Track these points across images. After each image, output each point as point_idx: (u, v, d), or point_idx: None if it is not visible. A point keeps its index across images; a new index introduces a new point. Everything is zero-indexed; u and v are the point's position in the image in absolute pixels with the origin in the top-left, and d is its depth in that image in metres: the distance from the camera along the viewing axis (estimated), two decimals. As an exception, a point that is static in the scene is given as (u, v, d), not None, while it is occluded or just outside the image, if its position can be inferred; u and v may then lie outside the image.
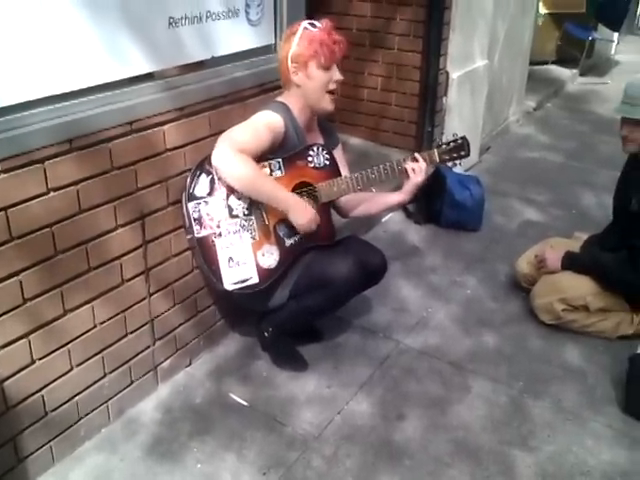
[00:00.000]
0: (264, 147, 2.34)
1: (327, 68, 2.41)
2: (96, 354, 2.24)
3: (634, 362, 2.53)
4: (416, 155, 2.60)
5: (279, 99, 2.51)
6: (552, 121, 6.25)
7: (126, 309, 2.31)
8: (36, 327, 2.00)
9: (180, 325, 2.57)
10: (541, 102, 6.60)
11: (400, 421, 2.44)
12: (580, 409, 2.52)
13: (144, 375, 2.47)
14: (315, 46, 2.36)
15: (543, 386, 2.64)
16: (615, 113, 2.82)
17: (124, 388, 2.40)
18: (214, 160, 2.27)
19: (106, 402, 2.34)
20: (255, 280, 2.44)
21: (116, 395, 2.37)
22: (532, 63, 6.32)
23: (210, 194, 2.37)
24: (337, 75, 2.44)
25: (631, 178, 2.93)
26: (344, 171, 2.64)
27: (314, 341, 2.84)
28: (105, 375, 2.30)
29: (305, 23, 2.41)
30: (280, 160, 2.43)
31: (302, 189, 2.49)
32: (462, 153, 2.64)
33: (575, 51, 7.65)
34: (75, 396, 2.20)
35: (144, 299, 2.37)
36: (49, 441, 2.15)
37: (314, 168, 2.52)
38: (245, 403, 2.51)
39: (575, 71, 7.73)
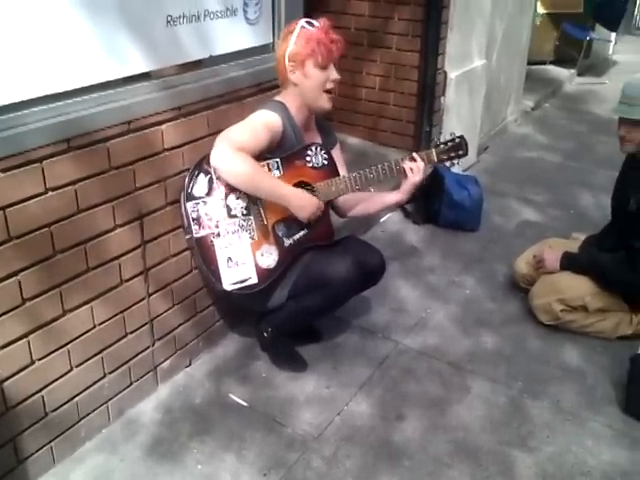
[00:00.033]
0: (262, 146, 2.34)
1: (324, 67, 2.40)
2: (96, 354, 2.23)
3: (635, 362, 2.53)
4: (414, 155, 2.59)
5: (277, 98, 2.50)
6: (550, 121, 6.26)
7: (125, 309, 2.30)
8: (35, 327, 1.99)
9: (179, 325, 2.57)
10: (539, 102, 6.61)
11: (399, 421, 2.44)
12: (579, 409, 2.52)
13: (144, 376, 2.47)
14: (312, 45, 2.36)
15: (542, 386, 2.64)
16: (613, 113, 2.82)
17: (124, 389, 2.40)
18: (213, 160, 2.27)
19: (106, 403, 2.33)
20: (254, 280, 2.43)
21: (116, 396, 2.37)
22: (530, 63, 6.32)
23: (208, 194, 2.36)
24: (334, 74, 2.44)
25: (629, 178, 2.93)
26: (342, 171, 2.64)
27: (313, 341, 2.84)
28: (105, 375, 2.30)
29: (302, 22, 2.40)
30: (278, 160, 2.43)
31: (300, 189, 2.49)
32: (460, 152, 2.64)
33: (573, 51, 7.66)
34: (75, 397, 2.20)
35: (143, 299, 2.37)
36: (49, 442, 2.15)
37: (312, 168, 2.52)
38: (245, 403, 2.50)
39: (573, 71, 7.74)
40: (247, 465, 2.22)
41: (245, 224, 2.41)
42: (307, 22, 2.40)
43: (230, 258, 2.40)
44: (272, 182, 2.37)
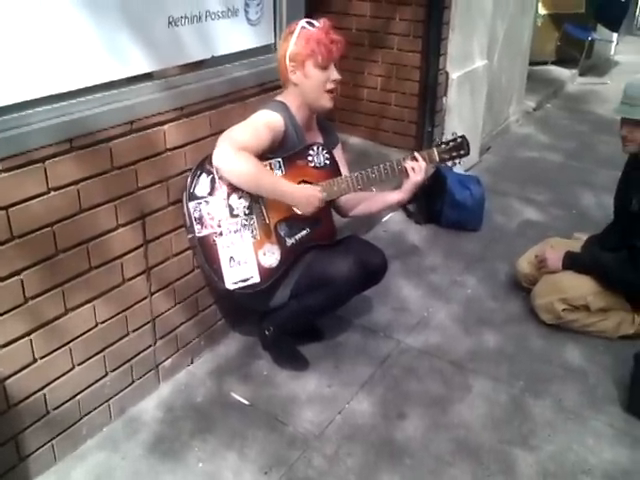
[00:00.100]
0: (264, 146, 2.35)
1: (324, 67, 2.41)
2: (97, 353, 2.24)
3: (639, 359, 2.53)
4: (416, 154, 2.60)
5: (278, 98, 2.51)
6: (552, 121, 6.26)
7: (127, 308, 2.31)
8: (38, 326, 2.00)
9: (181, 324, 2.58)
10: (541, 102, 6.61)
11: (401, 420, 2.45)
12: (581, 408, 2.52)
13: (145, 374, 2.48)
14: (312, 45, 2.36)
15: (544, 385, 2.64)
16: (614, 113, 2.82)
17: (125, 387, 2.40)
18: (215, 159, 2.27)
19: (107, 401, 2.34)
20: (256, 279, 2.44)
21: (117, 394, 2.37)
22: (532, 63, 6.33)
23: (211, 194, 2.37)
24: (335, 74, 2.44)
25: (631, 178, 2.93)
26: (344, 170, 2.64)
27: (315, 340, 2.85)
28: (106, 374, 2.30)
29: (303, 22, 2.41)
30: (280, 160, 2.44)
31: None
32: (462, 152, 2.65)
33: (574, 51, 7.66)
34: (77, 395, 2.21)
35: (145, 298, 2.37)
36: (51, 440, 2.15)
37: (314, 167, 2.52)
38: (246, 402, 2.51)
39: (574, 71, 7.74)
40: (248, 463, 2.23)
41: (247, 223, 2.42)
42: (307, 22, 2.41)
43: (232, 257, 2.41)
44: (274, 180, 2.38)
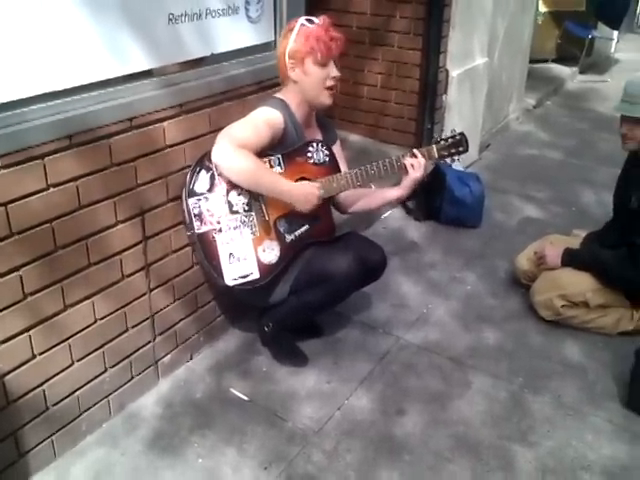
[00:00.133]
0: (264, 143, 2.35)
1: (324, 64, 2.41)
2: (97, 349, 2.25)
3: (640, 356, 2.53)
4: (415, 151, 2.60)
5: (277, 95, 2.51)
6: (552, 119, 6.26)
7: (126, 304, 2.31)
8: (37, 322, 2.01)
9: (180, 320, 2.58)
10: (541, 100, 6.61)
11: (400, 416, 2.45)
12: (580, 404, 2.52)
13: (145, 370, 2.48)
14: (312, 42, 2.37)
15: (543, 382, 2.64)
16: (615, 111, 2.83)
17: (125, 383, 2.41)
18: (214, 156, 2.28)
19: (107, 397, 2.35)
20: (256, 276, 2.44)
21: (117, 390, 2.38)
22: (532, 61, 6.33)
23: (210, 190, 2.37)
24: (334, 71, 2.44)
25: (631, 176, 2.94)
26: (343, 167, 2.65)
27: (314, 337, 2.85)
28: (106, 370, 2.31)
29: (302, 19, 2.41)
30: (280, 156, 2.44)
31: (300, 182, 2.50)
32: (460, 149, 2.65)
33: (575, 49, 7.66)
34: (76, 391, 2.21)
35: (144, 294, 2.38)
36: (50, 435, 2.16)
37: (314, 164, 2.53)
38: (245, 398, 2.51)
39: (575, 69, 7.74)
40: (248, 459, 2.23)
41: (247, 220, 2.42)
42: (307, 20, 2.41)
43: (232, 254, 2.41)
44: (273, 178, 2.38)
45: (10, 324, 1.93)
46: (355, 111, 4.45)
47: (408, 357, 2.77)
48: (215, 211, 2.38)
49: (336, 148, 2.69)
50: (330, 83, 2.45)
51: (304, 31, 2.39)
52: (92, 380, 2.26)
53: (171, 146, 2.33)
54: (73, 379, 2.19)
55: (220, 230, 2.39)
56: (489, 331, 2.96)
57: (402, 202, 3.99)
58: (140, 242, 2.30)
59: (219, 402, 2.49)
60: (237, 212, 2.40)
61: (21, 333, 1.97)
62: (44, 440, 2.14)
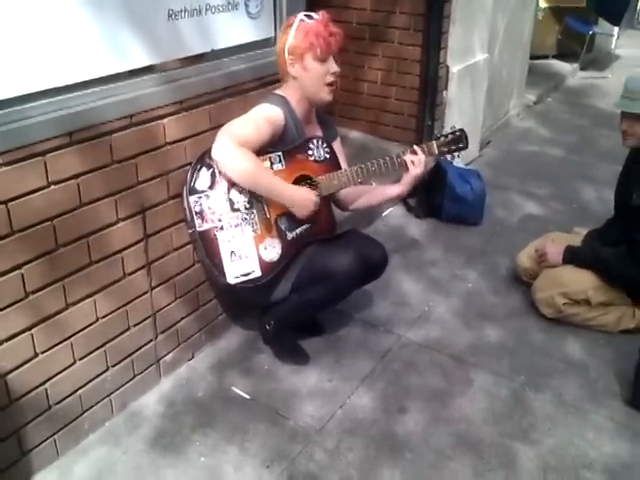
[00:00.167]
0: (264, 140, 2.34)
1: (323, 60, 2.40)
2: (99, 348, 2.24)
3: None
4: (415, 147, 2.60)
5: (277, 92, 2.50)
6: (552, 115, 6.25)
7: (128, 303, 2.31)
8: (39, 320, 2.00)
9: (182, 319, 2.58)
10: (541, 96, 6.60)
11: (401, 414, 2.45)
12: (581, 402, 2.52)
13: (147, 369, 2.48)
14: (311, 38, 2.36)
15: (544, 379, 2.64)
16: (615, 107, 2.82)
17: (127, 382, 2.40)
18: (214, 153, 2.27)
19: (109, 395, 2.34)
20: (257, 273, 2.44)
21: (119, 389, 2.38)
22: (532, 57, 6.31)
23: (211, 188, 2.36)
24: (334, 67, 2.43)
25: (632, 172, 2.93)
26: (343, 164, 2.64)
27: (316, 335, 2.85)
28: (108, 369, 2.30)
29: (301, 15, 2.40)
30: (280, 153, 2.43)
31: (303, 182, 2.49)
32: (460, 145, 2.65)
33: (575, 45, 7.64)
34: (78, 389, 2.21)
35: (146, 293, 2.37)
36: (53, 434, 2.16)
37: (314, 161, 2.52)
38: (247, 396, 2.51)
39: (575, 65, 7.73)
40: (250, 457, 2.23)
41: (248, 217, 2.42)
42: (306, 15, 2.40)
43: (233, 252, 2.40)
44: (271, 180, 2.37)
45: (12, 323, 1.93)
46: (355, 108, 4.44)
47: (409, 355, 2.77)
48: (216, 209, 2.37)
49: (336, 145, 2.69)
50: (330, 79, 2.44)
51: (303, 27, 2.38)
52: (94, 379, 2.26)
53: (171, 143, 2.32)
54: (75, 378, 2.18)
55: (221, 228, 2.38)
56: (490, 329, 2.96)
57: (403, 199, 3.98)
58: (141, 240, 2.30)
59: (221, 400, 2.48)
60: (238, 210, 2.40)
61: (23, 332, 1.96)
62: (47, 439, 2.14)
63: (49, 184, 1.92)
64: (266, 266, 2.45)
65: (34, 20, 1.80)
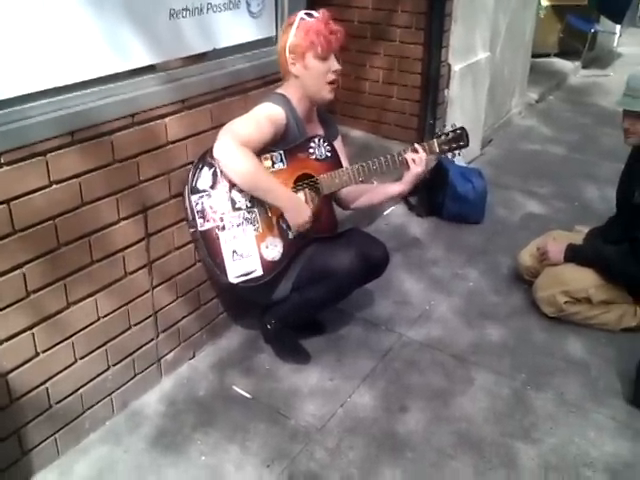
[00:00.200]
0: (266, 139, 2.34)
1: (324, 58, 2.40)
2: (100, 347, 2.24)
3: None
4: (416, 146, 2.60)
5: (278, 90, 2.50)
6: (554, 113, 6.24)
7: (129, 302, 2.31)
8: (40, 320, 2.00)
9: (183, 318, 2.58)
10: (543, 94, 6.59)
11: (403, 413, 2.45)
12: (583, 401, 2.52)
13: (148, 368, 2.48)
14: (312, 36, 2.36)
15: (546, 378, 2.64)
16: (617, 105, 2.81)
17: (128, 381, 2.41)
18: (216, 152, 2.27)
19: (110, 395, 2.34)
20: (259, 272, 2.44)
21: (120, 388, 2.38)
22: (534, 55, 6.31)
23: (213, 187, 2.36)
24: (335, 65, 2.43)
25: (634, 171, 2.93)
26: (344, 162, 2.64)
27: (317, 334, 2.85)
28: (109, 368, 2.30)
29: (302, 14, 2.40)
30: (282, 152, 2.43)
31: (304, 181, 2.49)
32: (461, 143, 2.65)
33: (577, 43, 7.63)
34: (79, 389, 2.21)
35: (147, 292, 2.37)
36: (54, 433, 2.16)
37: (316, 160, 2.52)
38: (248, 395, 2.51)
39: (577, 63, 7.71)
40: (251, 456, 2.23)
41: (250, 217, 2.42)
42: (306, 14, 2.40)
43: (235, 251, 2.40)
44: (270, 185, 2.36)
45: (13, 322, 1.93)
46: (357, 106, 4.44)
47: (411, 354, 2.77)
48: (218, 208, 2.37)
49: (337, 143, 2.69)
50: (331, 77, 2.44)
51: (304, 25, 2.38)
52: (95, 378, 2.26)
53: (173, 142, 2.32)
54: (76, 377, 2.18)
55: (223, 227, 2.38)
56: (492, 328, 2.96)
57: (404, 197, 3.98)
58: (143, 239, 2.30)
59: (222, 400, 2.48)
60: (240, 209, 2.40)
61: (24, 331, 1.97)
62: (47, 438, 2.14)
63: (51, 183, 1.93)
64: (268, 265, 2.45)
65: (36, 20, 1.80)
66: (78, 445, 2.25)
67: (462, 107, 4.40)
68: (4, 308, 1.89)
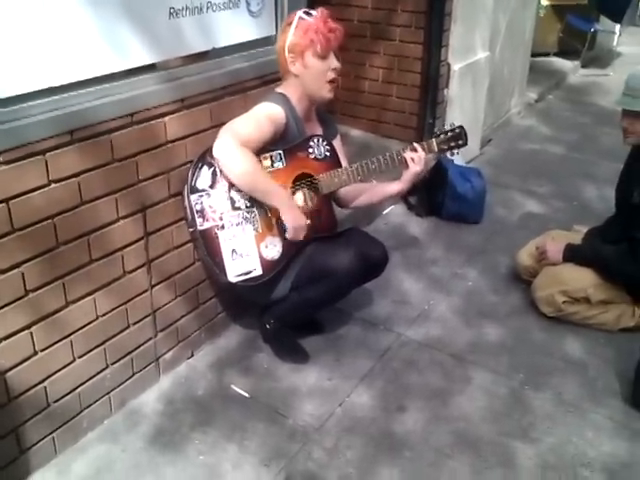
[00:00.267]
0: (266, 139, 2.34)
1: (324, 57, 2.39)
2: (98, 346, 2.24)
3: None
4: (415, 145, 2.60)
5: (278, 90, 2.50)
6: (554, 113, 6.24)
7: (128, 301, 2.31)
8: (38, 318, 2.00)
9: (182, 317, 2.58)
10: (543, 94, 6.59)
11: (401, 413, 2.45)
12: (581, 401, 2.52)
13: (146, 367, 2.48)
14: (311, 35, 2.36)
15: (544, 378, 2.64)
16: (616, 105, 2.81)
17: (126, 380, 2.41)
18: (215, 152, 2.27)
19: (108, 393, 2.35)
20: (258, 272, 2.44)
21: (118, 386, 2.38)
22: (534, 55, 6.31)
23: (212, 186, 2.36)
24: (334, 63, 2.42)
25: (633, 170, 2.93)
26: (343, 162, 2.64)
27: (315, 333, 2.85)
28: (107, 367, 2.31)
29: (300, 12, 2.40)
30: (281, 152, 2.43)
31: (303, 180, 2.49)
32: (460, 142, 2.66)
33: (577, 43, 7.63)
34: (77, 387, 2.21)
35: (146, 291, 2.37)
36: (51, 432, 2.16)
37: (315, 159, 2.52)
38: (246, 395, 2.51)
39: (577, 63, 7.72)
40: (249, 455, 2.24)
41: (249, 216, 2.42)
42: (305, 12, 2.40)
43: (234, 250, 2.41)
44: (268, 186, 2.35)
45: (12, 321, 1.93)
46: (356, 106, 4.43)
47: (409, 353, 2.77)
48: (217, 207, 2.37)
49: (336, 143, 2.69)
50: (331, 76, 2.43)
51: (303, 24, 2.38)
52: (93, 377, 2.26)
53: (172, 141, 2.32)
54: (74, 376, 2.19)
55: (222, 227, 2.38)
56: (490, 327, 2.96)
57: (403, 196, 3.98)
58: (142, 238, 2.30)
59: (220, 399, 2.49)
60: (239, 208, 2.40)
61: (23, 330, 1.97)
62: (45, 437, 2.14)
63: (50, 182, 1.93)
64: (267, 264, 2.45)
65: (34, 19, 1.80)
66: (76, 444, 2.26)
67: (461, 106, 4.40)
68: (3, 307, 1.89)
